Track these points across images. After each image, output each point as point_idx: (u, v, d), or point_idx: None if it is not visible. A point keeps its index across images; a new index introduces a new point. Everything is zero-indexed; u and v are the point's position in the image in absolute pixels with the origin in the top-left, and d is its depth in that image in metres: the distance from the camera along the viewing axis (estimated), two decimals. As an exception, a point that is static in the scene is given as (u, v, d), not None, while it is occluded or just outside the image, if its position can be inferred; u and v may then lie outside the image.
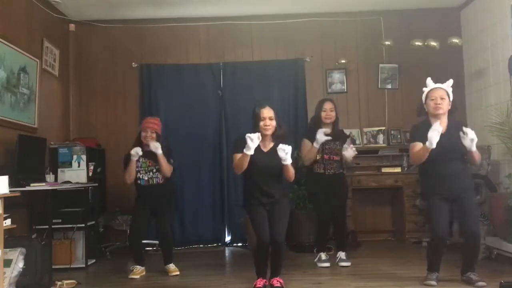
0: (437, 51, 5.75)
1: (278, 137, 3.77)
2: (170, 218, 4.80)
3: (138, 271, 4.47)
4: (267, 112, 3.73)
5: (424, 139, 3.66)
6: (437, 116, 3.76)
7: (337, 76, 6.35)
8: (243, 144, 3.57)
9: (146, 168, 4.54)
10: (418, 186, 5.61)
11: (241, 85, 6.21)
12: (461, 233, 3.93)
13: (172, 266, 4.57)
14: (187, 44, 6.35)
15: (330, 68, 6.33)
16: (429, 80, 3.88)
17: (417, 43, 5.77)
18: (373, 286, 3.88)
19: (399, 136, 6.22)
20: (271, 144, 3.78)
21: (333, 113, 4.63)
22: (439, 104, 3.74)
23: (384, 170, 5.94)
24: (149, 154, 4.49)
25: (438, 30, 5.98)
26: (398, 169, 5.93)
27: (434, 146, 3.56)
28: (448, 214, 3.79)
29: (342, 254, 4.67)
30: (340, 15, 6.28)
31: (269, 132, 3.75)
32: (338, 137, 4.69)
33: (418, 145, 3.75)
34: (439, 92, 3.78)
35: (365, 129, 6.27)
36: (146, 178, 4.52)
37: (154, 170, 4.53)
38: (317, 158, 4.59)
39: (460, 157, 3.74)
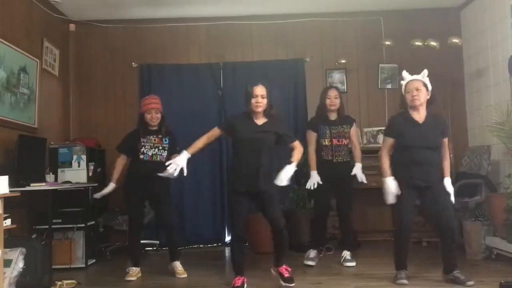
0: (437, 51, 5.74)
1: (270, 115, 3.88)
2: (172, 207, 4.65)
3: (134, 273, 4.41)
4: (260, 90, 3.82)
5: (397, 134, 3.87)
6: (415, 108, 3.86)
7: (337, 76, 6.36)
8: (228, 122, 3.99)
9: (152, 145, 4.48)
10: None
11: (241, 85, 6.15)
12: (436, 227, 3.92)
13: (179, 266, 4.49)
14: (187, 44, 6.35)
15: (330, 68, 6.34)
16: (404, 73, 3.98)
17: (417, 43, 5.76)
18: (373, 286, 3.89)
19: (399, 136, 6.22)
20: (264, 120, 3.89)
21: (338, 100, 4.69)
22: (415, 95, 3.83)
23: (384, 170, 5.93)
24: (155, 133, 4.48)
25: (438, 30, 5.97)
26: (398, 169, 5.92)
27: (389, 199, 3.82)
28: (411, 206, 3.88)
29: (347, 254, 4.64)
30: (340, 15, 6.28)
31: (260, 110, 3.85)
32: (345, 121, 4.74)
33: (389, 142, 3.95)
34: (415, 84, 3.86)
35: (365, 129, 6.27)
36: (150, 154, 4.45)
37: (160, 148, 4.49)
38: (326, 143, 4.62)
39: (434, 149, 3.82)
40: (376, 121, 6.28)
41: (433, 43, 5.70)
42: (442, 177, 3.86)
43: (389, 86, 6.33)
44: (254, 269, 4.21)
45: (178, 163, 3.79)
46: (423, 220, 5.56)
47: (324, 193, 4.66)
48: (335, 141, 4.63)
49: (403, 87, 3.95)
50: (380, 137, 6.22)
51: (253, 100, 3.81)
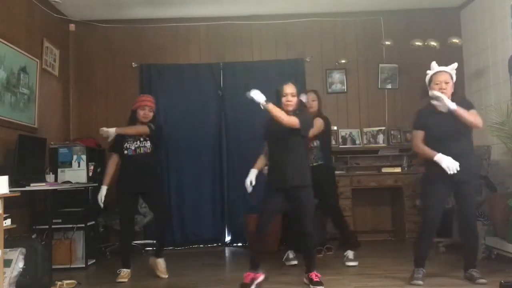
0: (437, 51, 5.74)
1: (300, 114, 3.87)
2: (163, 201, 4.61)
3: (125, 274, 4.35)
4: (290, 88, 3.86)
5: (424, 126, 3.81)
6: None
7: (337, 76, 6.36)
8: (264, 127, 4.00)
9: (134, 138, 4.43)
10: (418, 186, 5.64)
11: (241, 85, 6.19)
12: (459, 226, 3.98)
13: (163, 264, 4.42)
14: (187, 44, 6.35)
15: (330, 68, 6.34)
16: (434, 64, 3.92)
17: (417, 43, 5.77)
18: (373, 286, 3.89)
19: (399, 136, 6.22)
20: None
21: (315, 103, 4.75)
22: (444, 89, 3.77)
23: (384, 170, 5.94)
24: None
25: (438, 30, 5.98)
26: (398, 169, 5.93)
27: (441, 165, 3.64)
28: (444, 202, 3.84)
29: (350, 254, 4.64)
30: (340, 15, 6.28)
31: (291, 108, 3.85)
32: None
33: (419, 134, 3.87)
34: (444, 76, 3.82)
35: (365, 129, 6.27)
36: (133, 148, 4.40)
37: (142, 139, 4.44)
38: None
39: (464, 137, 3.77)
40: (376, 121, 6.29)
41: (433, 43, 5.70)
42: (476, 172, 3.86)
43: (389, 86, 6.33)
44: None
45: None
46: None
47: None
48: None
49: (428, 77, 3.91)
50: (380, 137, 6.24)
51: (283, 99, 3.85)
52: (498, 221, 4.63)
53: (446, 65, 3.97)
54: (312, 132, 4.20)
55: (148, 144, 4.45)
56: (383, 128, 6.26)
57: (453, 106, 3.62)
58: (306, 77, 6.25)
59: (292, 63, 6.29)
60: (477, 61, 5.89)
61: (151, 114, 4.48)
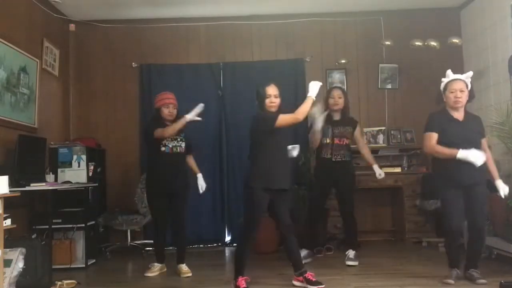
0: (437, 51, 5.75)
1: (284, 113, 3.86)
2: (186, 208, 4.64)
3: (156, 269, 4.47)
4: (272, 90, 3.85)
5: (440, 129, 3.77)
6: (456, 109, 3.81)
7: (337, 76, 6.35)
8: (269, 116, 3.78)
9: (171, 137, 4.46)
10: (418, 186, 5.65)
11: (241, 85, 6.20)
12: (468, 227, 3.96)
13: (184, 267, 4.50)
14: (187, 44, 6.35)
15: (330, 68, 6.33)
16: (449, 72, 3.91)
17: (417, 43, 5.77)
18: (373, 286, 3.89)
19: (399, 136, 6.22)
20: None
21: (341, 100, 4.71)
22: (459, 98, 3.78)
23: (384, 170, 5.92)
24: None
25: (438, 30, 5.99)
26: (398, 169, 5.92)
27: (469, 160, 3.61)
28: (462, 206, 3.79)
29: (351, 253, 4.63)
30: (340, 15, 6.28)
31: (274, 109, 3.85)
32: (348, 122, 4.76)
33: (434, 136, 3.80)
34: (459, 84, 3.81)
35: (365, 129, 6.26)
36: (170, 146, 4.45)
37: (179, 139, 4.50)
38: (327, 142, 4.67)
39: (475, 144, 3.75)
40: (376, 121, 6.29)
41: (433, 43, 5.70)
42: (484, 177, 3.85)
43: (389, 86, 6.33)
44: (254, 269, 4.20)
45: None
46: (423, 220, 5.59)
47: (319, 197, 4.73)
48: (336, 140, 4.66)
49: (443, 84, 3.90)
50: (380, 137, 6.23)
51: (267, 101, 3.83)
52: (498, 221, 4.63)
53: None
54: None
55: (183, 144, 4.52)
56: (383, 128, 6.26)
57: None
58: (306, 77, 6.22)
59: (292, 63, 6.29)
60: (477, 61, 5.88)
61: (175, 111, 4.52)
